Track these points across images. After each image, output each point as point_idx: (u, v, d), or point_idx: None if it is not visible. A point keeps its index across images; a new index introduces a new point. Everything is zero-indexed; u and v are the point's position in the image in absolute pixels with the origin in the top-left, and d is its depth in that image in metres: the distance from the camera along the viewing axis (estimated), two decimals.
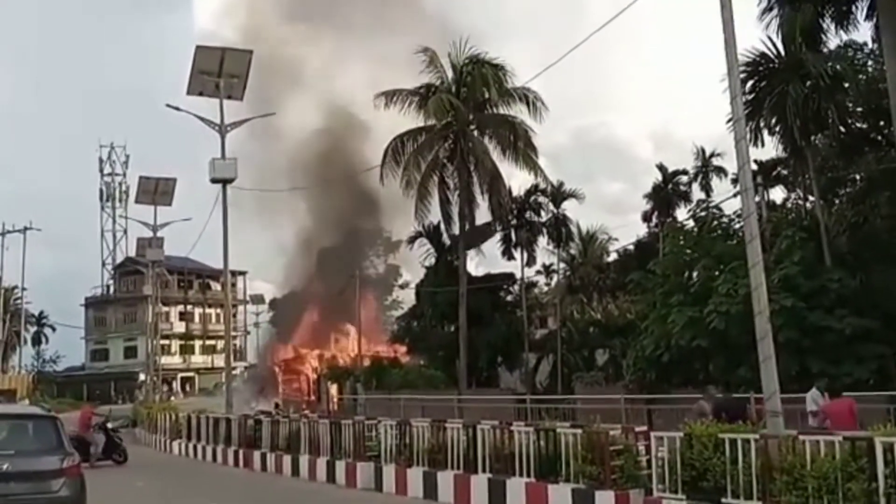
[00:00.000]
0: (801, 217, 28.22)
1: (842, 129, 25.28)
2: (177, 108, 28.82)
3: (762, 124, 24.94)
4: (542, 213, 43.66)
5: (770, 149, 27.62)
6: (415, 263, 49.67)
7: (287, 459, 20.38)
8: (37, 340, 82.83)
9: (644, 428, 13.55)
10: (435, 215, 41.26)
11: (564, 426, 13.52)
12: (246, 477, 21.34)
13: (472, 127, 39.44)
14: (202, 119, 28.17)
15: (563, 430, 13.06)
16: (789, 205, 37.03)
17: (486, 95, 39.27)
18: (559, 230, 43.84)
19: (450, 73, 39.42)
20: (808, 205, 31.17)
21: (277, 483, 19.58)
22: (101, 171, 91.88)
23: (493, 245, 43.91)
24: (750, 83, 24.39)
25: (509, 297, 44.92)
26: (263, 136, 53.92)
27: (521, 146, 38.49)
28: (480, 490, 14.03)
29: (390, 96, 40.15)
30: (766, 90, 24.44)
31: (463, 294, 38.78)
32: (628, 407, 24.66)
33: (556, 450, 12.91)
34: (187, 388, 77.88)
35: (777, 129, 24.85)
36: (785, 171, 36.39)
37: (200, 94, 28.21)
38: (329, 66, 65.98)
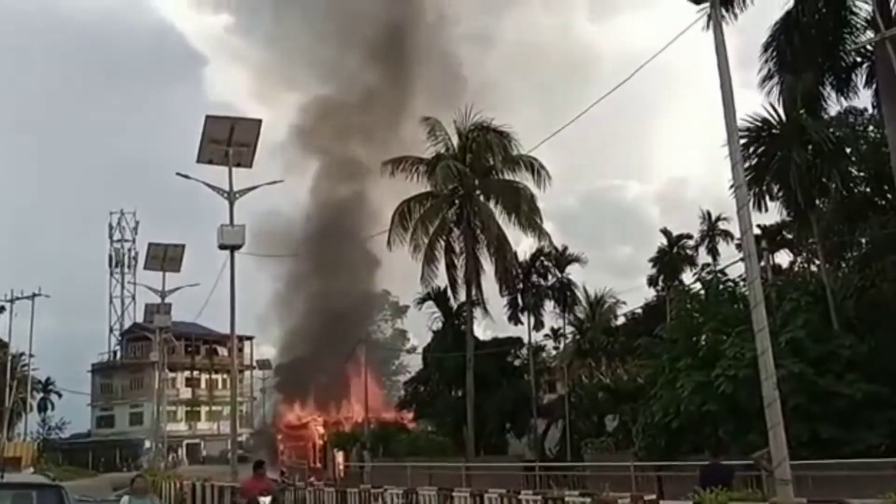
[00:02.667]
0: (806, 281, 28.21)
1: (845, 193, 25.48)
2: (186, 177, 29.20)
3: (765, 189, 25.16)
4: (549, 277, 43.77)
5: (774, 213, 27.83)
6: (422, 328, 49.68)
7: None
8: (43, 407, 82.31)
9: (654, 496, 13.39)
10: (442, 279, 41.48)
11: (573, 495, 13.38)
12: None
13: (478, 192, 39.86)
14: (211, 187, 28.47)
15: (571, 499, 12.92)
16: (795, 269, 37.06)
17: (492, 162, 39.80)
18: (564, 294, 43.87)
19: (455, 140, 40.03)
20: (813, 268, 31.21)
21: None
22: (111, 237, 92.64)
23: (501, 309, 43.95)
24: (752, 148, 24.71)
25: (517, 362, 44.69)
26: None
27: (525, 210, 38.85)
28: None
29: (397, 163, 40.74)
30: (768, 155, 24.72)
31: (470, 359, 38.65)
32: (639, 474, 24.36)
33: None
34: (203, 454, 76.97)
35: (780, 194, 25.06)
36: (790, 236, 36.51)
37: (210, 162, 28.55)
38: (339, 129, 66.99)
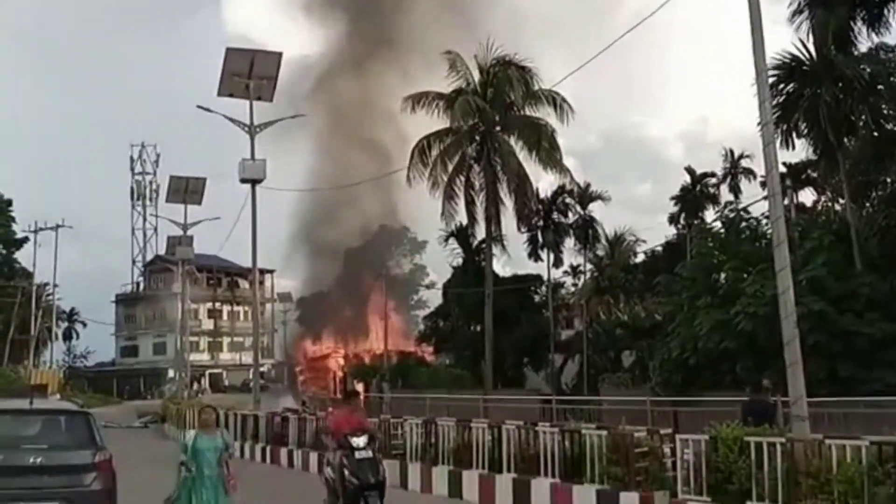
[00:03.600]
0: (830, 220, 27.95)
1: (875, 131, 25.01)
2: (207, 110, 29.16)
3: (793, 126, 24.75)
4: (570, 215, 43.65)
5: (800, 151, 27.43)
6: (441, 263, 49.94)
7: (313, 456, 20.51)
8: (68, 336, 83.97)
9: (669, 430, 13.50)
10: (462, 216, 41.45)
11: (590, 427, 13.53)
12: (273, 473, 21.52)
13: (499, 129, 39.50)
14: (232, 120, 28.46)
15: (588, 432, 13.07)
16: (819, 207, 36.70)
17: (513, 97, 39.33)
18: (586, 231, 43.83)
19: (476, 75, 39.52)
20: (837, 207, 30.88)
21: (304, 479, 19.71)
22: (132, 169, 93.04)
23: (521, 246, 44.00)
24: (781, 86, 24.24)
25: (536, 298, 44.91)
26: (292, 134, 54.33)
27: (546, 147, 38.52)
28: (505, 490, 14.06)
29: (417, 99, 40.35)
30: (797, 92, 24.26)
31: (489, 294, 38.86)
32: (654, 409, 24.54)
33: (581, 451, 12.91)
34: (225, 383, 78.36)
35: (807, 131, 24.65)
36: (815, 174, 36.06)
37: (231, 95, 28.47)
38: (360, 65, 66.17)
